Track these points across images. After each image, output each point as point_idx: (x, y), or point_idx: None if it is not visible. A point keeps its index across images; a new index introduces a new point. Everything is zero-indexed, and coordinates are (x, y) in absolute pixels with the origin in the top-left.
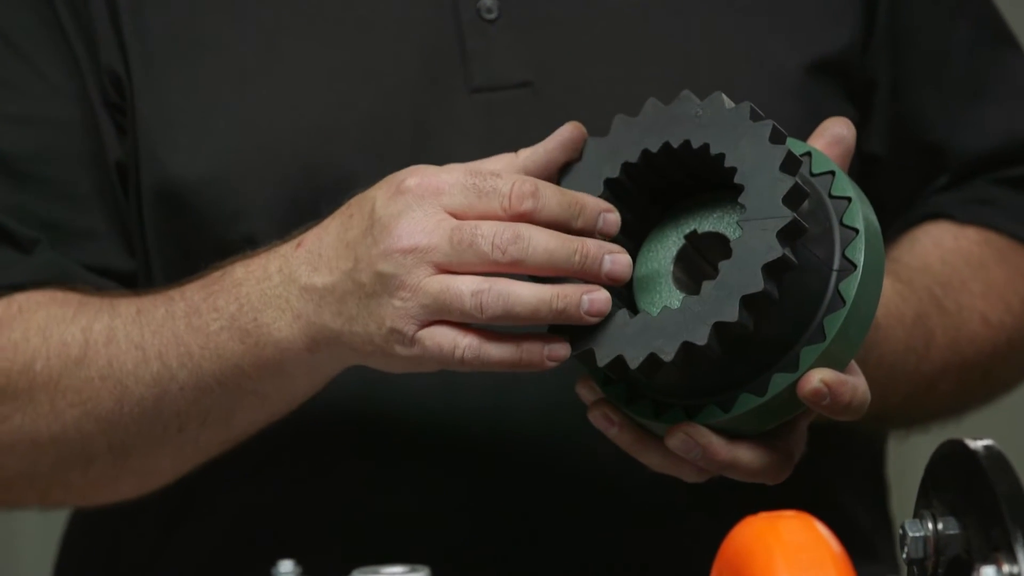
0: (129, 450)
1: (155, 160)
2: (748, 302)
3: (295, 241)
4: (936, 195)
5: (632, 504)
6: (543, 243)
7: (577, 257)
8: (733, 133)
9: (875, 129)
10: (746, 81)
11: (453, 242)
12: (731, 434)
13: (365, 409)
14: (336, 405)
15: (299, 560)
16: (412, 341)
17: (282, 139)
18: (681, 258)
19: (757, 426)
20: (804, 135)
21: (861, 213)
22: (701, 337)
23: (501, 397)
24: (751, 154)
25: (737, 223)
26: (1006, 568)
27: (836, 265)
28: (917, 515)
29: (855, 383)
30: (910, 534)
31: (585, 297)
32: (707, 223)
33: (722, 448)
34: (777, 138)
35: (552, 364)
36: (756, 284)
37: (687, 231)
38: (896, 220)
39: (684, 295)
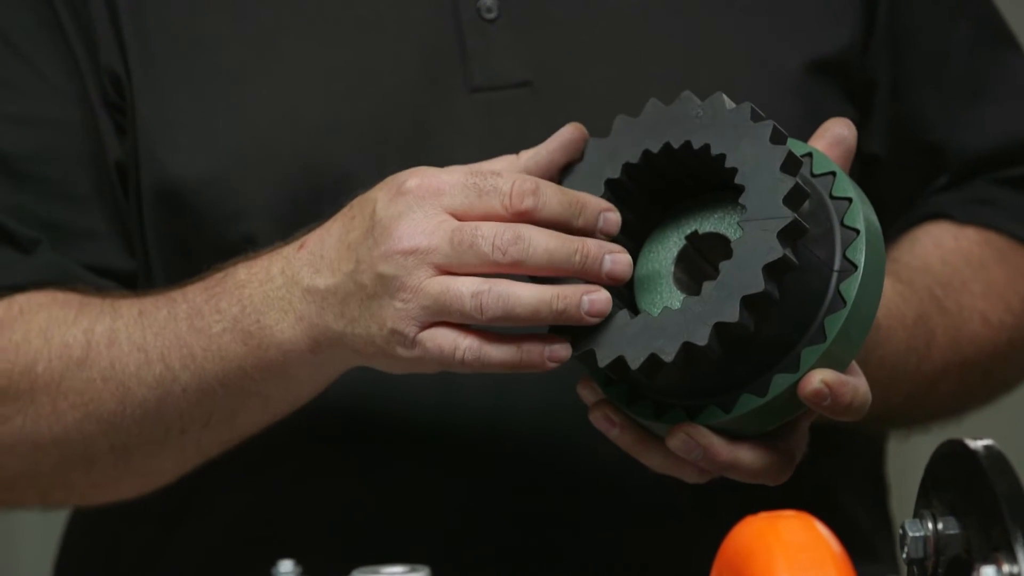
0: (131, 451)
1: (155, 160)
2: (749, 303)
3: (298, 243)
4: (936, 195)
5: (632, 504)
6: (543, 243)
7: (578, 257)
8: (734, 134)
9: (875, 129)
10: (746, 81)
11: (454, 243)
12: (732, 435)
13: (365, 409)
14: (336, 405)
15: (299, 560)
16: (413, 343)
17: (282, 139)
18: (682, 258)
19: (758, 427)
20: (804, 135)
21: (862, 214)
22: (702, 338)
23: (501, 397)
24: (752, 155)
25: (738, 224)
26: (1006, 568)
27: (837, 266)
28: (917, 515)
29: (856, 384)
30: (910, 534)
31: (585, 298)
32: (708, 224)
33: (723, 449)
34: (778, 139)
35: (553, 365)
36: (757, 285)
37: (688, 231)
38: (896, 220)
39: (685, 296)
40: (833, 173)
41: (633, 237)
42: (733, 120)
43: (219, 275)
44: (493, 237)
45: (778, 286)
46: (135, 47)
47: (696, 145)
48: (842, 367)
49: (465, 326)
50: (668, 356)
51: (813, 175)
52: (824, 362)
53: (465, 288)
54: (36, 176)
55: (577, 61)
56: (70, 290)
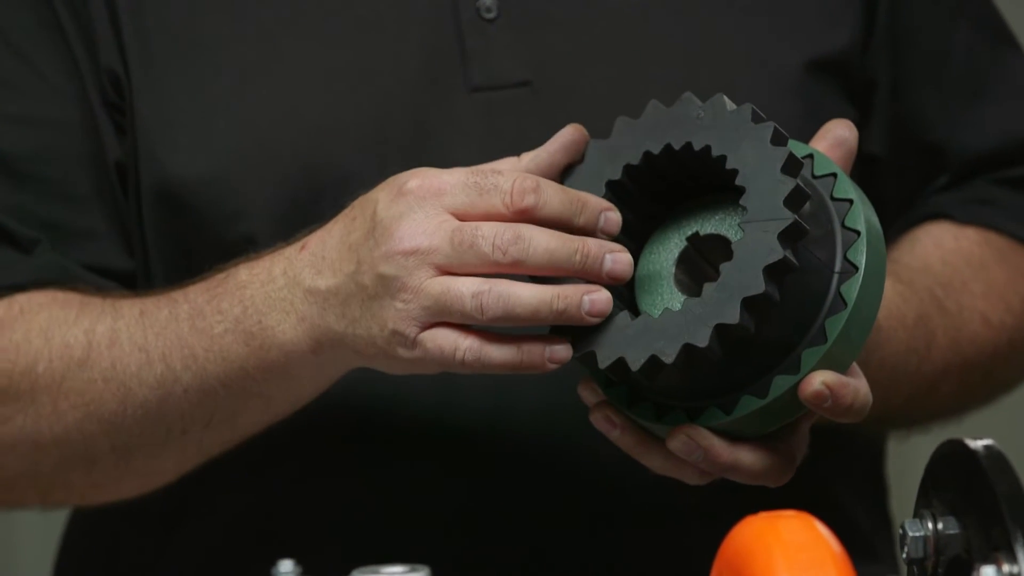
0: (132, 451)
1: (155, 160)
2: (749, 304)
3: (299, 244)
4: (936, 195)
5: (633, 505)
6: (544, 243)
7: (578, 256)
8: (735, 135)
9: (875, 129)
10: (746, 81)
11: (454, 243)
12: (733, 436)
13: (365, 409)
14: (336, 405)
15: (299, 560)
16: (414, 343)
17: (282, 139)
18: (683, 260)
19: (759, 428)
20: (804, 135)
21: (863, 215)
22: (702, 339)
23: (501, 397)
24: (753, 156)
25: (739, 225)
26: (1006, 568)
27: (838, 267)
28: (917, 515)
29: (857, 385)
30: (910, 534)
31: (586, 297)
32: (709, 225)
33: (724, 450)
34: (779, 140)
35: (553, 366)
36: (757, 286)
37: (689, 233)
38: (896, 220)
39: (685, 297)
40: (834, 175)
41: (634, 238)
42: (734, 121)
43: (220, 276)
44: (493, 237)
45: (779, 287)
46: (135, 47)
47: (697, 146)
48: (843, 369)
49: (466, 327)
50: (669, 357)
51: (814, 176)
52: (825, 364)
53: (466, 288)
54: (36, 176)
55: (577, 61)
56: (70, 290)
